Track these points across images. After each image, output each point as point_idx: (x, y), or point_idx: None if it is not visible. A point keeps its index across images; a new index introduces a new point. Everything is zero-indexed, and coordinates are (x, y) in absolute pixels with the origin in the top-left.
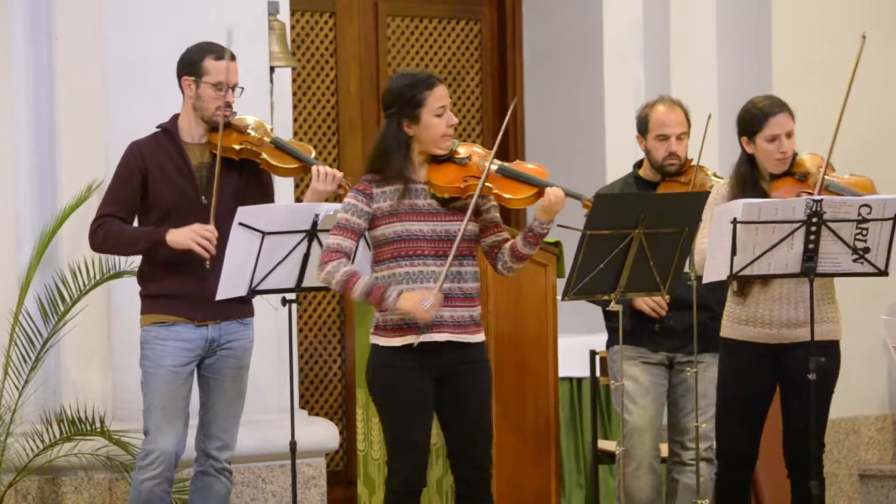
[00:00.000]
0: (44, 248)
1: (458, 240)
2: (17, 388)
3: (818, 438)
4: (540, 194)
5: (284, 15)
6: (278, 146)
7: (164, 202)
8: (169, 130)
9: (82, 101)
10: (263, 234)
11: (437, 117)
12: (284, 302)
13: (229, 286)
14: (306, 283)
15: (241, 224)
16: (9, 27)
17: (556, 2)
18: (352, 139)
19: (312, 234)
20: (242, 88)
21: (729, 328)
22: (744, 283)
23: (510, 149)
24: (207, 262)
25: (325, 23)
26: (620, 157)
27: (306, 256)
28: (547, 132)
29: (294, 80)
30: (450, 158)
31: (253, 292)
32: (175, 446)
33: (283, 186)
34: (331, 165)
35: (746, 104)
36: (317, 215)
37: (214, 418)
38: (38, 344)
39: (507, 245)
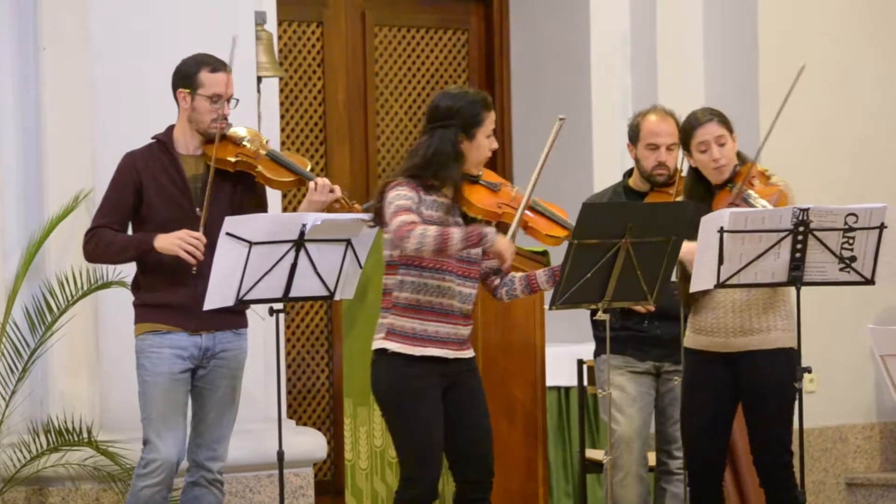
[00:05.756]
0: (31, 259)
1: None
2: (3, 398)
3: (784, 447)
4: (569, 236)
5: (272, 25)
6: (274, 159)
7: (158, 214)
8: (164, 142)
9: (69, 112)
10: (251, 243)
11: (487, 139)
12: (272, 312)
13: (217, 296)
14: (294, 292)
15: (228, 234)
16: None
17: (543, 11)
18: (339, 149)
19: (300, 243)
20: (238, 100)
21: (687, 338)
22: (687, 292)
23: (496, 158)
24: (194, 269)
25: (313, 33)
26: (608, 166)
27: (294, 266)
28: (534, 141)
29: (281, 90)
30: (478, 181)
31: (240, 302)
32: (177, 454)
33: (272, 197)
34: (318, 175)
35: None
36: (304, 225)
37: (207, 429)
38: (25, 354)
39: (518, 275)
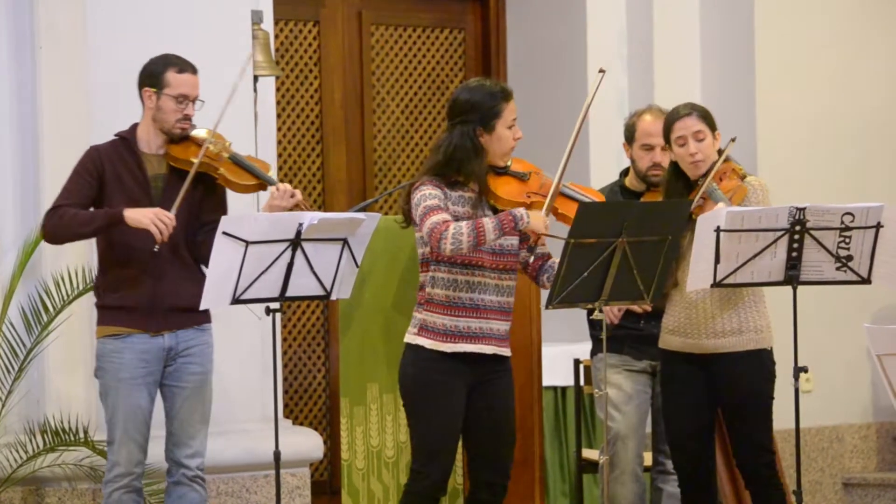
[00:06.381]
0: (27, 258)
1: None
2: (0, 399)
3: (764, 448)
4: None
5: (268, 24)
6: (236, 162)
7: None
8: (127, 139)
9: (65, 111)
10: (247, 243)
11: (508, 129)
12: (268, 311)
13: (213, 295)
14: (290, 292)
15: (224, 233)
16: None
17: (539, 11)
18: (335, 148)
19: (296, 243)
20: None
21: (661, 338)
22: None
23: None
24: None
25: (309, 31)
26: (604, 165)
27: (290, 265)
28: (530, 140)
29: (278, 90)
30: (507, 171)
31: (237, 301)
32: (138, 457)
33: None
34: (315, 174)
35: None
36: (301, 224)
37: (181, 426)
38: (21, 354)
39: (558, 260)
